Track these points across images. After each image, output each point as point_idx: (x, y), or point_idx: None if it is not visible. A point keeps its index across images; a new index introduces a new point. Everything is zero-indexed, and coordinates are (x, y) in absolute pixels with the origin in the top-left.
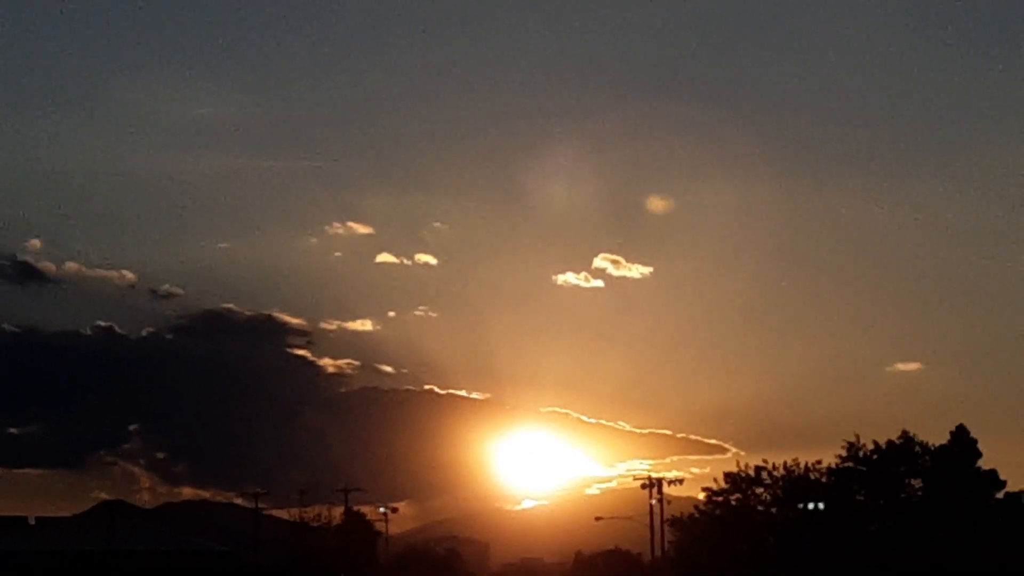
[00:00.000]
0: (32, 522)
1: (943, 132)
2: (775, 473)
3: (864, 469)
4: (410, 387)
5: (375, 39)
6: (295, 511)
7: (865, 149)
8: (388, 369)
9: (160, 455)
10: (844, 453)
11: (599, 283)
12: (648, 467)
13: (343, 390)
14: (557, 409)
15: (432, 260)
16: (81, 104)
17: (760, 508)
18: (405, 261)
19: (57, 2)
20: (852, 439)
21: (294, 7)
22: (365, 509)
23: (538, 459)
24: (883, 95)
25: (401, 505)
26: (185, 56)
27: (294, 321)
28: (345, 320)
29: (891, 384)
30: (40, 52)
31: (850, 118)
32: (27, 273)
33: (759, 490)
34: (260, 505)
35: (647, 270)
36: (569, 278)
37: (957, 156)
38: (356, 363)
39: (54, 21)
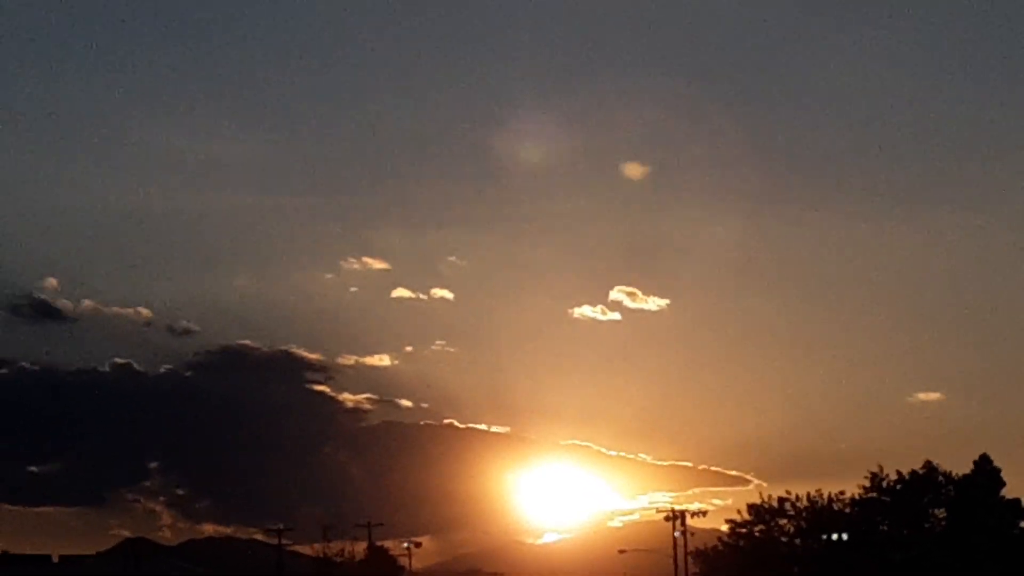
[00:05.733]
0: (56, 560)
1: (965, 160)
2: (798, 504)
3: (888, 499)
4: (430, 421)
5: (389, 75)
6: (318, 546)
7: (885, 178)
8: (407, 404)
9: (181, 492)
10: (867, 484)
11: (616, 316)
12: (670, 499)
13: (363, 425)
14: (577, 442)
15: (448, 294)
16: (96, 142)
17: (784, 540)
18: (421, 296)
19: (71, 40)
20: (875, 469)
21: (308, 45)
22: (388, 544)
23: (559, 492)
24: (903, 121)
25: (424, 539)
26: (198, 93)
27: (311, 356)
28: (362, 355)
29: (913, 414)
30: (56, 90)
31: (869, 146)
32: (44, 311)
33: (783, 521)
34: (283, 541)
35: (664, 302)
36: (586, 311)
37: (979, 184)
38: (375, 397)
39: (69, 59)
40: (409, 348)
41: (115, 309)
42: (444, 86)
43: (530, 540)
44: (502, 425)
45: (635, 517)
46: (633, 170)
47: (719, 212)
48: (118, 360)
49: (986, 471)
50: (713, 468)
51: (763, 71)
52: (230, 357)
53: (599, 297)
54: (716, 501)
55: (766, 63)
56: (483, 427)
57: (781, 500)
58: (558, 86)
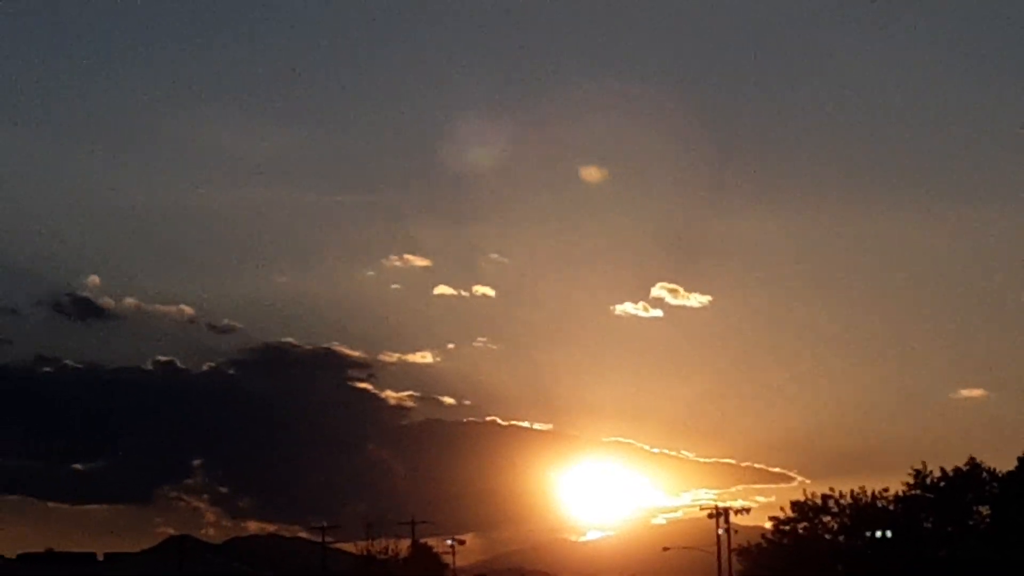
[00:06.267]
0: (100, 558)
1: (1013, 153)
2: (842, 501)
3: (931, 496)
4: (473, 419)
5: (429, 72)
6: (362, 544)
7: (926, 174)
8: (450, 401)
9: (224, 489)
10: (911, 481)
11: (658, 312)
12: (714, 497)
13: (406, 422)
14: (620, 439)
15: (490, 291)
16: (138, 139)
17: (828, 537)
18: (463, 293)
19: (113, 38)
20: (918, 466)
21: (349, 42)
22: (432, 541)
23: (602, 489)
24: (943, 115)
25: (467, 537)
26: (240, 91)
27: (354, 354)
28: (405, 352)
29: (956, 410)
30: (96, 87)
31: (908, 141)
32: (87, 309)
33: (826, 518)
34: (326, 538)
35: (706, 299)
36: (627, 308)
37: (1020, 179)
38: (417, 395)
39: (110, 57)
40: (451, 345)
41: (158, 307)
42: (485, 83)
43: (573, 538)
44: (545, 422)
45: (678, 514)
46: (677, 169)
47: (762, 209)
48: (161, 358)
49: None
50: (756, 465)
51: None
52: (272, 355)
53: (641, 294)
54: (759, 498)
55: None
56: (526, 424)
57: (825, 497)
58: (609, 83)
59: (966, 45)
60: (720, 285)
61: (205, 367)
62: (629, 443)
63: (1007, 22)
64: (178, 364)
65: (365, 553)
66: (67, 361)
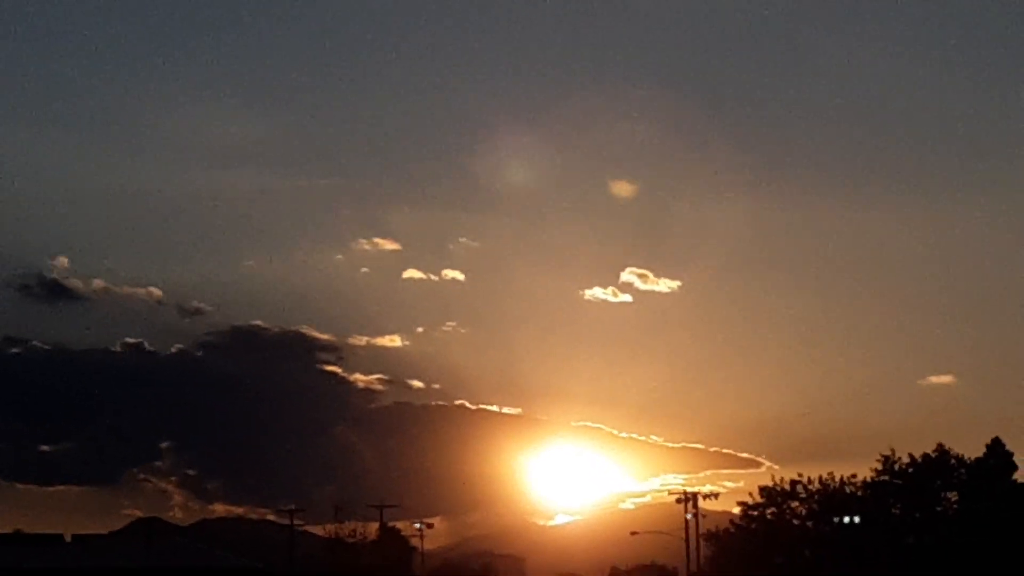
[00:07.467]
0: (68, 539)
1: (977, 145)
2: (810, 487)
3: (899, 482)
4: (441, 402)
5: (400, 58)
6: (330, 527)
7: (896, 162)
8: (418, 384)
9: (192, 472)
10: (879, 467)
11: (627, 297)
12: (682, 481)
13: (374, 406)
14: (589, 423)
15: (459, 276)
16: (107, 122)
17: (796, 522)
18: (432, 276)
19: (85, 22)
20: (887, 452)
21: (320, 27)
22: (400, 525)
23: (571, 474)
24: (911, 107)
25: (435, 521)
26: (211, 75)
27: (323, 337)
28: (374, 336)
29: (925, 397)
30: (67, 71)
31: (879, 130)
32: (55, 291)
33: (794, 504)
34: (295, 521)
35: (675, 284)
36: (597, 293)
37: (991, 167)
38: (386, 378)
39: (81, 41)
40: (420, 329)
41: (126, 289)
42: (456, 69)
43: (542, 522)
44: (513, 406)
45: (647, 499)
46: (645, 153)
47: (731, 195)
48: (129, 340)
49: (998, 455)
50: (725, 451)
51: (770, 58)
52: (241, 337)
53: (610, 279)
54: (728, 483)
55: (773, 51)
56: (495, 408)
57: (793, 483)
58: (579, 71)
59: (936, 34)
60: (689, 270)
61: (174, 349)
62: (598, 428)
63: (975, 22)
64: (146, 346)
65: (333, 536)
66: (35, 342)
